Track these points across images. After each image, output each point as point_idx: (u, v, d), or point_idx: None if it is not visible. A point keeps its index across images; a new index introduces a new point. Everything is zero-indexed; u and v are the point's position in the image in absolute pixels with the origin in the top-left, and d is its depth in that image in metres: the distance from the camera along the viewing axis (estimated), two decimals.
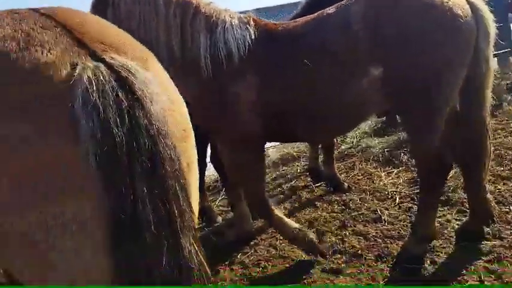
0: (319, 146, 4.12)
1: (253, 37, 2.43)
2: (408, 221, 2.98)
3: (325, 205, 3.58)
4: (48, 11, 1.16)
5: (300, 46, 2.40)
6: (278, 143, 5.26)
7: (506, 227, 2.63)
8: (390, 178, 3.85)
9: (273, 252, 2.89)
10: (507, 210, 2.85)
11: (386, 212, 3.21)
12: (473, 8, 2.24)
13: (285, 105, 2.42)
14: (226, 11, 2.55)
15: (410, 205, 3.24)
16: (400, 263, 2.44)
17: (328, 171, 3.94)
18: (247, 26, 2.45)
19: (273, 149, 5.43)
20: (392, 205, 3.32)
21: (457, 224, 2.76)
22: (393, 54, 2.25)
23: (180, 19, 2.39)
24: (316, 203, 3.66)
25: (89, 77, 0.94)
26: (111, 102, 0.93)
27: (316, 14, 2.51)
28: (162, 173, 0.96)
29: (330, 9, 2.44)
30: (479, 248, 2.46)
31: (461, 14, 2.17)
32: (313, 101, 2.40)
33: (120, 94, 0.95)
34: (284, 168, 4.82)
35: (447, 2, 2.18)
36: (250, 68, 2.39)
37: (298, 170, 4.62)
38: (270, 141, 3.96)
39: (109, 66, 0.99)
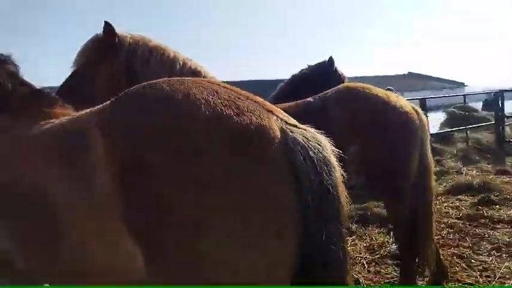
0: None
1: None
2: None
3: None
4: (215, 81, 1.47)
5: None
6: None
7: None
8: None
9: None
10: None
11: (361, 275, 3.58)
12: (418, 113, 3.00)
13: None
14: None
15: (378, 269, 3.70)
16: None
17: None
18: None
19: None
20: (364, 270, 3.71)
21: None
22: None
23: None
24: None
25: (302, 138, 1.25)
26: (319, 156, 1.25)
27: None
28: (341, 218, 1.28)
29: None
30: None
31: (413, 116, 2.91)
32: None
33: (320, 150, 1.27)
34: None
35: (404, 107, 2.91)
36: None
37: None
38: None
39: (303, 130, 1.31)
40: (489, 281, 3.39)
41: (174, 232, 1.19)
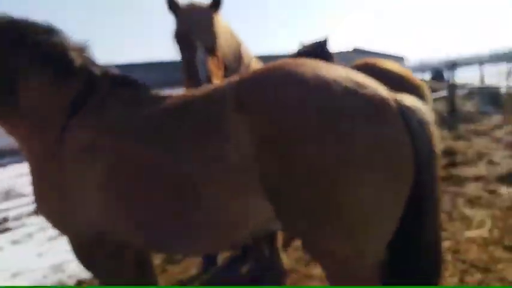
0: None
1: None
2: None
3: None
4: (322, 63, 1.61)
5: None
6: None
7: None
8: None
9: None
10: None
11: None
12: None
13: None
14: None
15: None
16: None
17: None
18: None
19: None
20: None
21: None
22: None
23: None
24: None
25: (415, 106, 1.50)
26: (428, 121, 1.51)
27: None
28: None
29: None
30: None
31: None
32: None
33: (423, 115, 1.51)
34: None
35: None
36: None
37: None
38: None
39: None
40: (468, 228, 4.00)
41: (315, 188, 1.40)
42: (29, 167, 2.04)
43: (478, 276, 3.01)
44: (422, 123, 1.49)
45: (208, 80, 2.42)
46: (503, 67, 22.22)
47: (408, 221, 1.53)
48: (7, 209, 5.70)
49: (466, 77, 24.14)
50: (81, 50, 2.07)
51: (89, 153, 1.81)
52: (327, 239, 1.49)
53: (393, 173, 1.41)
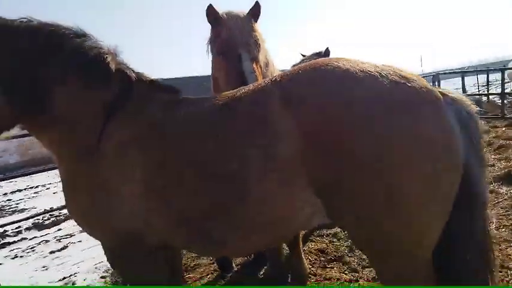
0: None
1: None
2: None
3: None
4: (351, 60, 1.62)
5: None
6: None
7: None
8: None
9: None
10: None
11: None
12: None
13: None
14: None
15: None
16: None
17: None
18: None
19: None
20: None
21: None
22: None
23: None
24: None
25: (461, 98, 1.55)
26: (474, 112, 1.55)
27: None
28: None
29: None
30: None
31: None
32: None
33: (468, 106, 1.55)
34: None
35: None
36: None
37: None
38: None
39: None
40: None
41: (368, 181, 1.43)
42: (62, 171, 2.02)
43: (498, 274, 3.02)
44: (470, 114, 1.53)
45: None
46: (482, 77, 23.15)
47: (457, 214, 1.52)
48: (4, 224, 5.53)
49: (448, 88, 24.74)
50: (115, 54, 2.07)
51: (130, 152, 1.82)
52: (380, 230, 1.51)
53: (445, 163, 1.43)
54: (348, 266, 3.58)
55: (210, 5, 2.73)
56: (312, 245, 4.11)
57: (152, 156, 1.80)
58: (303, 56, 5.12)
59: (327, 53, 4.89)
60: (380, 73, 1.49)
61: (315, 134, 1.49)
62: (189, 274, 3.84)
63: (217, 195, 1.67)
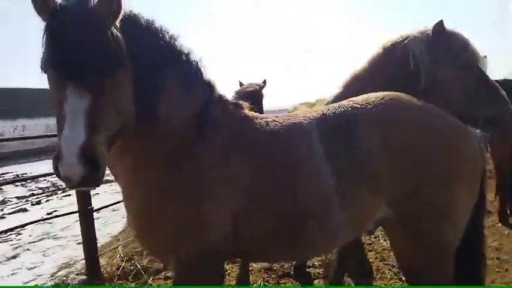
0: None
1: None
2: None
3: None
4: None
5: None
6: None
7: None
8: None
9: None
10: None
11: None
12: None
13: None
14: None
15: None
16: None
17: None
18: None
19: None
20: None
21: None
22: None
23: None
24: None
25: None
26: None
27: None
28: None
29: None
30: None
31: None
32: None
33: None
34: None
35: None
36: None
37: None
38: None
39: None
40: None
41: (431, 195, 1.84)
42: (142, 181, 1.84)
43: None
44: (482, 146, 2.02)
45: None
46: None
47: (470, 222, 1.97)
48: None
49: None
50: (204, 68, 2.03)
51: (232, 159, 1.83)
52: (437, 231, 1.90)
53: (475, 182, 1.95)
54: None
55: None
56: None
57: (254, 163, 1.84)
58: (241, 84, 5.20)
59: (264, 83, 4.98)
60: (434, 109, 2.02)
61: (395, 150, 1.84)
62: None
63: (307, 202, 1.84)
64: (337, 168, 1.82)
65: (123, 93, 1.54)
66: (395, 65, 2.55)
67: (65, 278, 4.14)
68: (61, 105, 1.36)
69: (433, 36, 2.50)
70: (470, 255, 2.10)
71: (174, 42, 1.88)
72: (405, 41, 2.55)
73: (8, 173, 15.51)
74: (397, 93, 2.07)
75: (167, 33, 1.86)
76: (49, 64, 1.41)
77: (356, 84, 2.63)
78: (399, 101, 1.98)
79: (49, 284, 4.04)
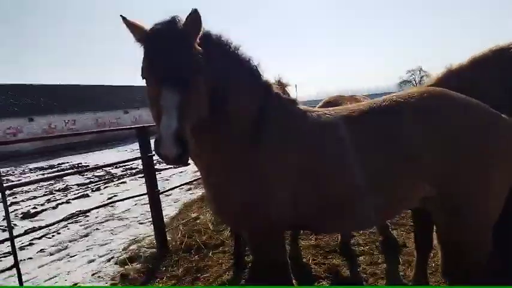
0: None
1: None
2: None
3: None
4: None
5: None
6: None
7: None
8: None
9: None
10: None
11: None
12: None
13: None
14: None
15: None
16: None
17: None
18: None
19: None
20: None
21: None
22: None
23: None
24: None
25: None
26: None
27: None
28: None
29: None
30: None
31: None
32: None
33: None
34: None
35: None
36: None
37: None
38: None
39: None
40: None
41: (473, 178, 2.06)
42: (221, 162, 2.21)
43: None
44: None
45: None
46: None
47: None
48: None
49: None
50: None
51: (289, 145, 2.17)
52: (477, 207, 2.10)
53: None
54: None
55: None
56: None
57: (305, 150, 2.16)
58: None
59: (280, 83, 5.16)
60: (473, 101, 2.20)
61: (435, 139, 2.06)
62: (202, 274, 3.93)
63: (353, 187, 2.13)
64: (382, 152, 2.09)
65: (201, 93, 1.92)
66: (506, 66, 2.63)
67: (137, 251, 4.68)
68: (157, 101, 1.76)
69: None
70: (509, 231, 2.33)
71: (237, 52, 2.22)
72: None
73: (64, 163, 16.86)
74: (440, 88, 2.29)
75: (231, 44, 2.20)
76: (149, 72, 1.84)
77: (452, 80, 2.74)
78: (442, 93, 2.21)
79: (124, 256, 4.57)
